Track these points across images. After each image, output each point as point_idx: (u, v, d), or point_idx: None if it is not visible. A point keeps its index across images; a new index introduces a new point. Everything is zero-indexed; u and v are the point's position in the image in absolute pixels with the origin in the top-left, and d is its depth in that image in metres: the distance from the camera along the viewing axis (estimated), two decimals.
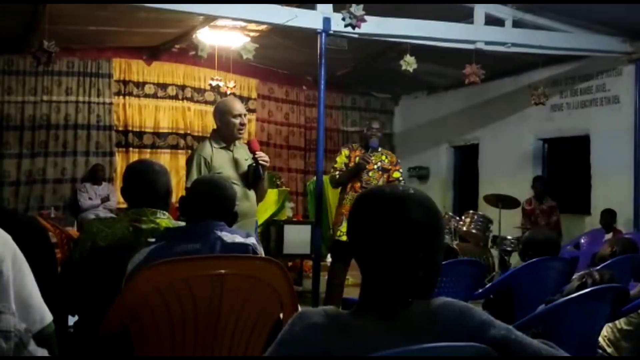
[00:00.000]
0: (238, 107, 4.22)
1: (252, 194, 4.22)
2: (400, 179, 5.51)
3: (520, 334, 1.40)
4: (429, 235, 1.41)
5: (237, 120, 4.16)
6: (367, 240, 1.43)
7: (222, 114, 4.19)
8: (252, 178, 4.17)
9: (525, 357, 1.36)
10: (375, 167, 5.37)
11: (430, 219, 1.42)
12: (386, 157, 5.49)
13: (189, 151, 9.89)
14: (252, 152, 4.17)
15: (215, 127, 4.33)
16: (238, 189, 4.10)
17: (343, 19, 5.62)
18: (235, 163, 4.18)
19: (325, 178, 5.93)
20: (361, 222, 1.45)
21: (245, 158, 4.21)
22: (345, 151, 5.46)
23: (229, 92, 9.17)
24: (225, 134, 4.20)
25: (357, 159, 5.28)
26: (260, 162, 4.12)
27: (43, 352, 1.37)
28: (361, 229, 1.44)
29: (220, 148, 4.17)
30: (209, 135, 4.42)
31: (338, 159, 5.42)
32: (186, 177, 4.21)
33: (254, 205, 4.26)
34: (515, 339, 1.38)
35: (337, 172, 5.35)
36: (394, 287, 1.41)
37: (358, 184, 5.27)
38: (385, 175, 5.41)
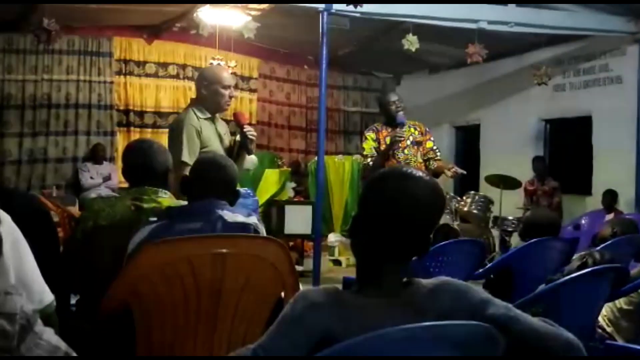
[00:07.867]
0: (227, 77, 3.87)
1: None
2: (434, 147, 5.14)
3: (519, 312, 1.41)
4: (433, 215, 1.47)
5: (226, 92, 3.79)
6: (375, 214, 1.46)
7: (210, 83, 3.78)
8: (238, 154, 3.85)
9: (525, 333, 1.37)
10: (409, 142, 5.00)
11: (435, 199, 1.47)
12: (415, 129, 5.11)
13: None
14: (240, 125, 3.85)
15: (196, 95, 3.90)
16: None
17: None
18: (219, 137, 3.84)
19: (328, 158, 5.83)
20: (374, 197, 1.49)
21: (224, 132, 3.91)
22: (371, 135, 5.05)
23: (230, 72, 9.11)
24: (210, 104, 3.80)
25: (388, 139, 4.93)
26: (249, 136, 3.80)
27: (50, 331, 1.37)
28: (373, 203, 1.48)
29: (205, 119, 3.78)
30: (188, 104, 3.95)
31: (365, 145, 5.03)
32: (172, 150, 3.46)
33: None
34: (515, 316, 1.39)
35: (369, 159, 4.97)
36: (393, 262, 1.44)
37: (394, 164, 4.78)
38: (420, 149, 5.05)
